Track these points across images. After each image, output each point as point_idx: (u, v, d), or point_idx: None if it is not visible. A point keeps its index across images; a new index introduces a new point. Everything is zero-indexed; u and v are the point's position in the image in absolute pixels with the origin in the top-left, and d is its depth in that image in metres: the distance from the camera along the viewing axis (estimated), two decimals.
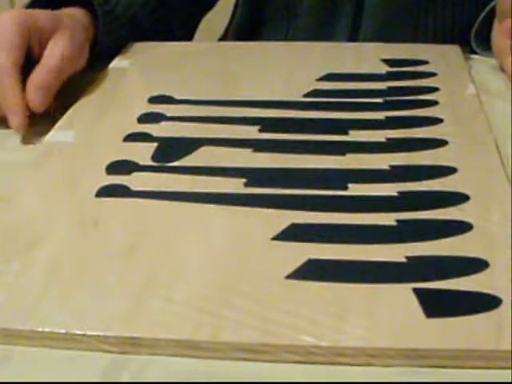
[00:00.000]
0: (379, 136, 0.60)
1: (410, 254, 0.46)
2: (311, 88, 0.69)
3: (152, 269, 0.45)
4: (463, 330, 0.40)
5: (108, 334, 0.40)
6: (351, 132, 0.61)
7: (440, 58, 0.76)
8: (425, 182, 0.54)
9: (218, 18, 1.03)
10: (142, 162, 0.57)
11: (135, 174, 0.56)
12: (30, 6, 0.74)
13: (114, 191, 0.53)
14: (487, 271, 0.44)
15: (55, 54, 0.66)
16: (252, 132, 0.62)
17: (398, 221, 0.49)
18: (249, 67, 0.76)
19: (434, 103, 0.66)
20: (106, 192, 0.53)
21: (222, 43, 0.98)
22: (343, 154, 0.58)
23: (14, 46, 0.64)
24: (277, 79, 0.72)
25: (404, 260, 0.45)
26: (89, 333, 0.40)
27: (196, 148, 0.59)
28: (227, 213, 0.51)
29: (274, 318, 0.41)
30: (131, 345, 0.40)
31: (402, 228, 0.49)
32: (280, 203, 0.51)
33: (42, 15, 0.68)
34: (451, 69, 0.73)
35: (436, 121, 0.63)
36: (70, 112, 0.66)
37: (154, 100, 0.68)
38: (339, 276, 0.44)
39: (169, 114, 0.65)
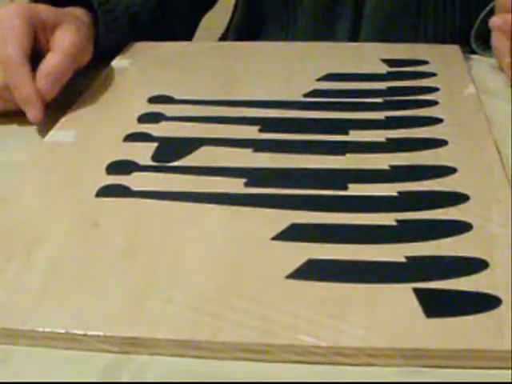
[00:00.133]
0: (379, 136, 0.60)
1: (409, 253, 0.46)
2: (311, 88, 0.69)
3: (152, 268, 0.45)
4: (463, 329, 0.40)
5: (108, 333, 0.40)
6: (351, 132, 0.61)
7: (440, 58, 0.76)
8: (425, 182, 0.54)
9: (218, 17, 1.03)
10: (142, 162, 0.57)
11: (135, 174, 0.56)
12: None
13: (114, 191, 0.53)
14: (487, 271, 0.44)
15: (66, 41, 0.66)
16: (252, 132, 0.62)
17: (397, 221, 0.49)
18: (249, 67, 0.76)
19: (434, 103, 0.66)
20: (106, 192, 0.53)
21: (221, 43, 0.98)
22: (343, 153, 0.58)
23: (22, 37, 0.64)
24: (277, 79, 0.72)
25: (404, 260, 0.45)
26: (89, 333, 0.40)
27: (196, 148, 0.59)
28: (227, 213, 0.51)
29: (274, 318, 0.41)
30: (131, 345, 0.40)
31: (401, 228, 0.49)
32: (280, 203, 0.51)
33: (45, 9, 0.68)
34: (451, 69, 0.73)
35: (436, 121, 0.63)
36: (70, 112, 0.66)
37: (154, 100, 0.68)
38: (339, 276, 0.44)
39: (169, 114, 0.65)
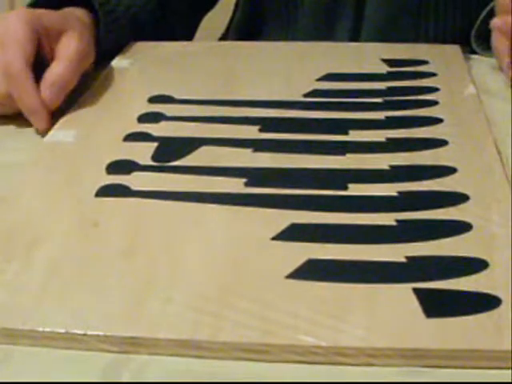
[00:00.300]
0: (379, 136, 0.60)
1: (409, 253, 0.46)
2: (311, 88, 0.69)
3: (152, 268, 0.45)
4: (463, 329, 0.40)
5: (108, 333, 0.40)
6: (351, 132, 0.61)
7: (440, 58, 0.76)
8: (425, 182, 0.54)
9: (218, 17, 1.03)
10: (142, 162, 0.57)
11: (135, 174, 0.56)
12: (32, 5, 0.74)
13: (114, 191, 0.53)
14: (487, 271, 0.44)
15: (70, 50, 0.66)
16: (252, 132, 0.62)
17: (397, 221, 0.49)
18: (249, 67, 0.76)
19: (434, 103, 0.66)
20: (106, 192, 0.53)
21: (222, 43, 0.98)
22: (343, 153, 0.58)
23: (25, 46, 0.63)
24: (277, 79, 0.72)
25: (404, 260, 0.45)
26: (89, 332, 0.40)
27: (196, 148, 0.59)
28: (227, 212, 0.51)
29: (274, 318, 0.41)
30: (131, 344, 0.40)
31: (401, 228, 0.49)
32: (280, 203, 0.51)
33: (48, 15, 0.68)
34: (451, 69, 0.73)
35: (436, 121, 0.63)
36: (70, 112, 0.66)
37: (154, 100, 0.68)
38: (339, 276, 0.44)
39: (169, 114, 0.65)
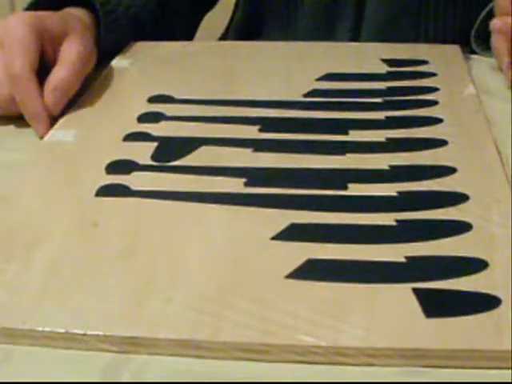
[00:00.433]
0: (379, 136, 0.60)
1: (409, 253, 0.46)
2: (311, 88, 0.69)
3: (152, 268, 0.45)
4: (463, 330, 0.40)
5: (108, 333, 0.40)
6: (351, 132, 0.61)
7: (440, 57, 0.76)
8: (424, 182, 0.54)
9: (218, 17, 1.03)
10: (141, 162, 0.57)
11: (135, 174, 0.56)
12: (32, 6, 0.73)
13: (113, 191, 0.53)
14: (487, 271, 0.44)
15: (72, 54, 0.66)
16: (252, 132, 0.62)
17: (397, 221, 0.49)
18: (249, 67, 0.76)
19: (434, 103, 0.66)
20: (105, 191, 0.53)
21: (221, 43, 0.98)
22: (343, 153, 0.58)
23: (29, 50, 0.63)
24: (277, 79, 0.72)
25: (403, 260, 0.45)
26: (89, 332, 0.40)
27: (196, 148, 0.59)
28: (227, 212, 0.51)
29: (274, 318, 0.41)
30: (131, 344, 0.40)
31: (401, 228, 0.49)
32: (280, 203, 0.51)
33: (50, 17, 0.67)
34: (451, 69, 0.73)
35: (436, 121, 0.63)
36: (70, 111, 0.66)
37: (153, 99, 0.68)
38: (339, 276, 0.44)
39: (169, 114, 0.65)
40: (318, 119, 0.64)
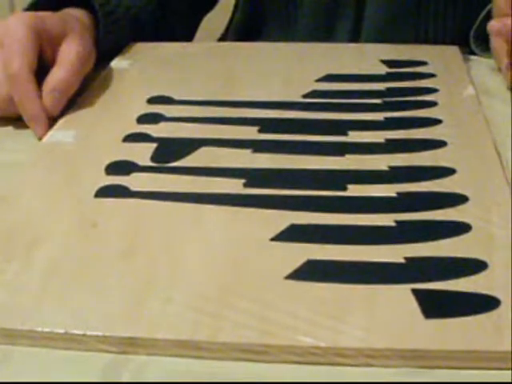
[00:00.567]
0: (378, 137, 0.60)
1: (408, 254, 0.46)
2: (310, 89, 0.69)
3: (151, 269, 0.45)
4: (462, 330, 0.40)
5: (107, 334, 0.40)
6: (350, 133, 0.61)
7: (439, 58, 0.76)
8: (424, 183, 0.54)
9: (217, 17, 1.03)
10: (141, 163, 0.57)
11: (134, 175, 0.56)
12: (32, 6, 0.73)
13: (113, 191, 0.53)
14: (486, 272, 0.44)
15: (71, 55, 0.66)
16: (251, 132, 0.62)
17: (396, 221, 0.49)
18: (248, 68, 0.76)
19: (433, 104, 0.66)
20: (105, 192, 0.53)
21: (221, 43, 0.98)
22: (342, 154, 0.58)
23: (28, 50, 0.63)
24: (276, 80, 0.72)
25: (403, 261, 0.45)
26: (88, 333, 0.41)
27: (195, 148, 0.59)
28: (226, 213, 0.51)
29: (273, 319, 0.41)
30: (130, 345, 0.40)
31: (400, 229, 0.49)
32: (279, 204, 0.51)
33: (50, 18, 0.67)
34: (450, 70, 0.73)
35: (435, 122, 0.63)
36: (69, 112, 0.66)
37: (153, 100, 0.68)
38: (338, 277, 0.44)
39: (168, 115, 0.65)
40: (317, 120, 0.64)
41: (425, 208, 0.51)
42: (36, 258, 0.46)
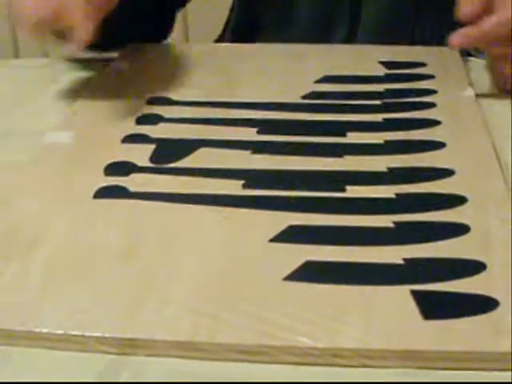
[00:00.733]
0: (377, 138, 0.60)
1: (407, 256, 0.46)
2: (309, 90, 0.69)
3: (150, 270, 0.45)
4: (461, 331, 0.40)
5: (106, 335, 0.40)
6: (349, 134, 0.61)
7: (438, 60, 0.76)
8: (422, 184, 0.54)
9: (214, 18, 1.03)
10: (140, 164, 0.57)
11: (133, 176, 0.56)
12: None
13: (112, 192, 0.53)
14: (484, 273, 0.44)
15: None
16: (250, 134, 0.62)
17: (395, 223, 0.49)
18: (247, 69, 0.76)
19: (432, 105, 0.66)
20: (104, 193, 0.53)
21: (220, 45, 0.98)
22: (341, 155, 0.58)
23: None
24: (275, 81, 0.72)
25: (401, 262, 0.45)
26: (87, 334, 0.40)
27: (194, 149, 0.59)
28: (225, 214, 0.51)
29: (272, 320, 0.41)
30: (129, 346, 0.40)
31: (399, 230, 0.49)
32: (278, 205, 0.51)
33: None
34: (449, 71, 0.73)
35: (434, 123, 0.63)
36: (68, 113, 0.66)
37: (152, 101, 0.68)
38: (336, 278, 0.44)
39: (167, 116, 0.65)
40: (316, 121, 0.64)
41: (423, 209, 0.51)
42: (35, 258, 0.46)
